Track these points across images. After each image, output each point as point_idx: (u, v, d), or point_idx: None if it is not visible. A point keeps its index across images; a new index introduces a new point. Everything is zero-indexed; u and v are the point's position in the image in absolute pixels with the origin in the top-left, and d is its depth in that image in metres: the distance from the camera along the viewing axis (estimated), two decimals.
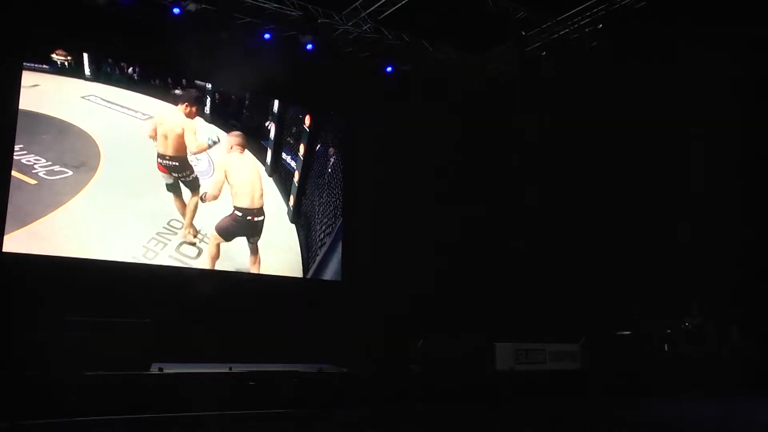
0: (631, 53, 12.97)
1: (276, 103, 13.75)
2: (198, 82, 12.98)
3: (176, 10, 12.07)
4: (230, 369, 9.28)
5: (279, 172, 13.74)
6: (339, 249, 14.24)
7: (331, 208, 14.42)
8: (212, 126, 13.01)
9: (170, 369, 8.87)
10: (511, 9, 13.19)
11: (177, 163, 12.40)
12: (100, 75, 12.15)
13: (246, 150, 13.12)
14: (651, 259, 13.04)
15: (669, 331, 12.53)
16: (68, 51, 11.78)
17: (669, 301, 12.58)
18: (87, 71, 11.99)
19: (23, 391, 7.16)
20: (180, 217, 12.50)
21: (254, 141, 13.42)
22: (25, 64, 11.35)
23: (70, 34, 11.58)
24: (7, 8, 10.82)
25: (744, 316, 12.24)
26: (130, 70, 12.47)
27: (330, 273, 14.05)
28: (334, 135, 14.60)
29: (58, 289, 10.42)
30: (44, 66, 11.56)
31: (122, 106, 12.34)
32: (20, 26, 11.11)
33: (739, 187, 12.59)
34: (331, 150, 14.57)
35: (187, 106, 12.61)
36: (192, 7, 12.09)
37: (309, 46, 13.25)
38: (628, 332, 12.76)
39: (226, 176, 12.75)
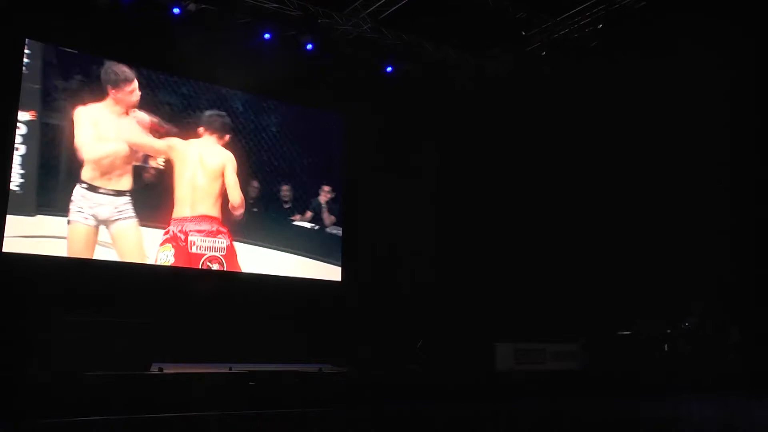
0: (631, 53, 12.97)
1: None
2: None
3: (176, 10, 12.08)
4: (230, 369, 9.27)
5: None
6: (339, 249, 14.22)
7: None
8: None
9: (170, 369, 8.87)
10: (511, 9, 13.18)
11: None
12: None
13: None
14: (651, 259, 13.04)
15: (669, 331, 12.54)
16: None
17: (669, 301, 12.59)
18: None
19: (23, 391, 7.15)
20: None
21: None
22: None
23: (68, 34, 11.56)
24: (4, 9, 10.81)
25: (744, 316, 12.24)
26: None
27: (330, 273, 14.02)
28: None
29: (58, 289, 10.42)
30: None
31: None
32: (19, 26, 11.10)
33: (740, 186, 12.59)
34: None
35: None
36: (192, 7, 12.10)
37: (309, 46, 13.27)
38: (628, 332, 12.77)
39: None
